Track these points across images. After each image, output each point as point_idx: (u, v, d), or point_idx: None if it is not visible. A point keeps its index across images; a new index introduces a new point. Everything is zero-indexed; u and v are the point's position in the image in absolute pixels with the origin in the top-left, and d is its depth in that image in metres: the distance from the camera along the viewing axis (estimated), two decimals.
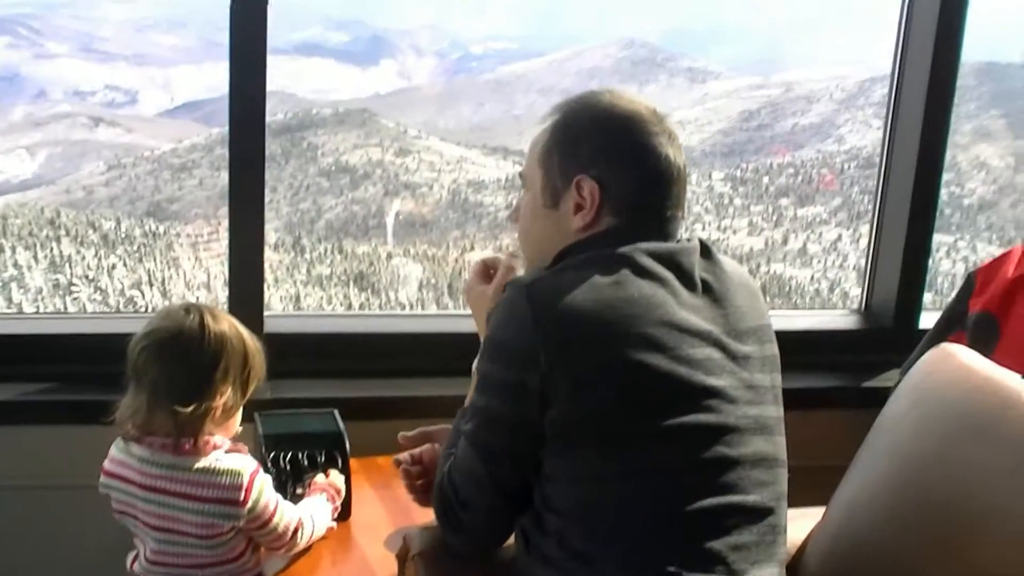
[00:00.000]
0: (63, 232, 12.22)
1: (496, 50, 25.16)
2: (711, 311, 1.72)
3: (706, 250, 1.81)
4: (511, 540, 1.84)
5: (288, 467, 2.23)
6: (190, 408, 1.90)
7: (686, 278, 1.72)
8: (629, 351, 1.61)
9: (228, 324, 2.00)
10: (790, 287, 11.71)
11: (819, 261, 12.65)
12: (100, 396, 1.96)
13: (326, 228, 14.48)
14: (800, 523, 2.12)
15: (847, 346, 2.98)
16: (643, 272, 1.69)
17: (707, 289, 1.75)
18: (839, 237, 12.89)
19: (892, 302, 2.91)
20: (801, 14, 22.13)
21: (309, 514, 2.04)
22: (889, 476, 2.01)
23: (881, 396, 2.26)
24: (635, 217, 1.78)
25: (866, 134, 14.30)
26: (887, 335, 2.93)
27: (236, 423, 2.02)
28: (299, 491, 2.17)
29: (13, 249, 11.91)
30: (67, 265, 11.85)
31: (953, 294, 2.76)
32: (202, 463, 1.92)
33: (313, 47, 24.47)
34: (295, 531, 2.02)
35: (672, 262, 1.73)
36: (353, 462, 2.32)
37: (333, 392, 2.60)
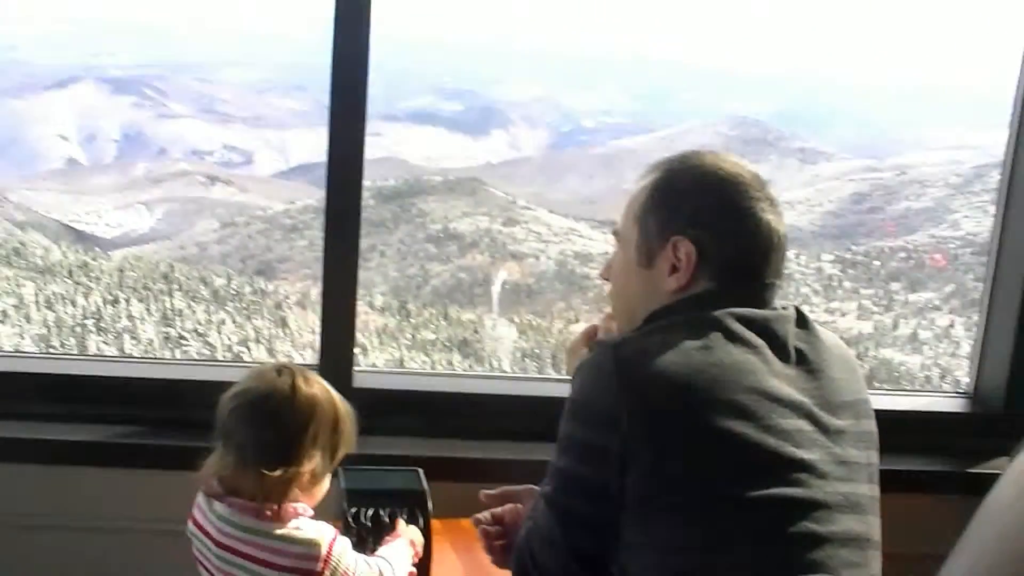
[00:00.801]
0: (176, 286, 12.47)
1: (608, 124, 25.28)
2: (804, 382, 1.66)
3: (803, 319, 1.74)
4: None
5: (369, 523, 2.22)
6: (277, 472, 1.85)
7: (779, 346, 1.66)
8: (716, 418, 1.55)
9: (320, 388, 1.95)
10: (899, 373, 11.48)
11: (930, 348, 12.40)
12: (189, 442, 1.97)
13: (432, 294, 14.59)
14: None
15: (953, 430, 2.87)
16: (734, 338, 1.63)
17: (801, 359, 1.68)
18: (952, 324, 12.64)
19: (1003, 387, 2.82)
20: (915, 98, 21.94)
21: (388, 562, 2.01)
22: (995, 568, 1.94)
23: (987, 483, 2.19)
24: (731, 282, 1.73)
25: (982, 220, 14.05)
26: (996, 421, 2.82)
27: (322, 490, 2.01)
28: (378, 548, 2.15)
29: (127, 301, 12.18)
30: (178, 319, 12.09)
31: None
32: (281, 530, 1.87)
33: (426, 115, 24.84)
34: None
35: (765, 329, 1.67)
36: (435, 523, 2.27)
37: (418, 451, 2.58)
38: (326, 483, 2.00)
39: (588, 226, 16.45)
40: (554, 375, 2.13)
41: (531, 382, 3.04)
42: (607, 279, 1.91)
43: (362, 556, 1.95)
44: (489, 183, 17.18)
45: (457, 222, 15.67)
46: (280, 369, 1.92)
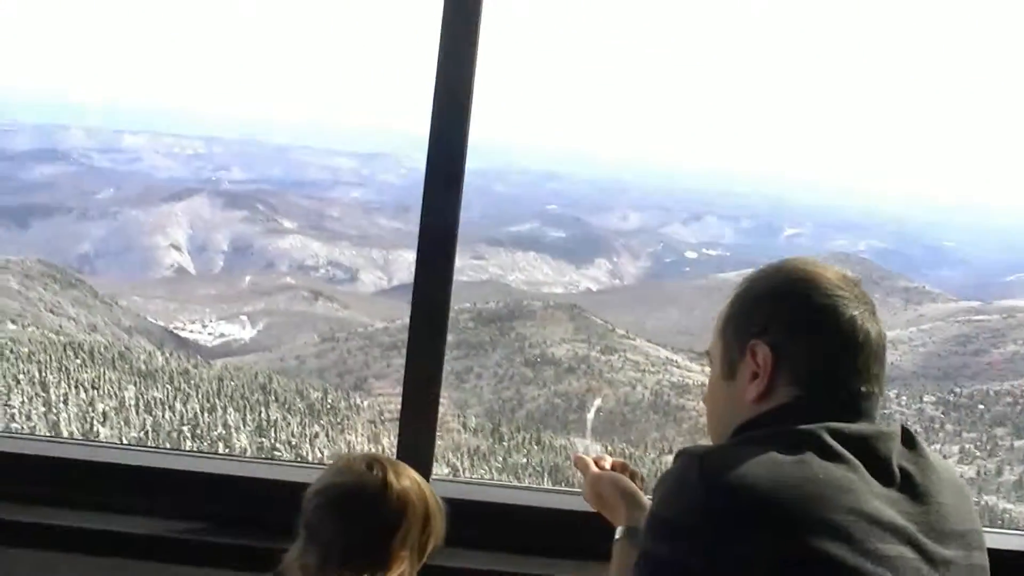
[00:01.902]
0: (272, 398, 12.59)
1: (710, 256, 25.23)
2: (909, 506, 1.53)
3: (909, 438, 1.63)
4: None
5: None
6: (360, 573, 1.76)
7: (881, 467, 1.50)
8: (809, 538, 1.44)
9: (411, 482, 1.81)
10: (1003, 520, 11.10)
11: None
12: (261, 543, 1.90)
13: (526, 418, 14.52)
14: None
15: None
16: (829, 454, 1.52)
17: (907, 481, 1.56)
18: None
19: None
20: (1019, 240, 21.58)
21: None
22: None
23: None
24: (818, 390, 1.60)
25: None
26: None
27: None
28: None
29: (224, 409, 12.30)
30: (272, 430, 12.16)
31: None
32: None
33: (530, 241, 25.04)
34: None
35: (865, 446, 1.55)
36: None
37: (494, 565, 2.49)
38: None
39: (686, 357, 16.29)
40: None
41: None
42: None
43: None
44: (589, 310, 17.20)
45: (555, 347, 15.66)
46: (371, 463, 1.79)
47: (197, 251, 21.41)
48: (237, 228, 21.49)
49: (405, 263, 17.94)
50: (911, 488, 1.50)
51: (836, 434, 1.50)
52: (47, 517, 2.55)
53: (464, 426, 14.13)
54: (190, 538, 2.53)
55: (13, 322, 13.28)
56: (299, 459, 10.99)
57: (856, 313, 1.58)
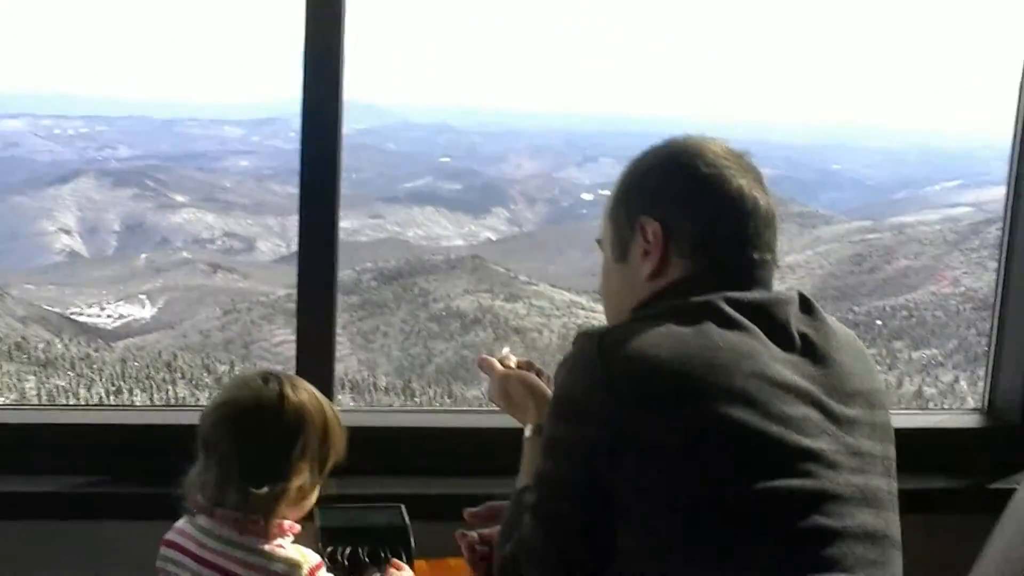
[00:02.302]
0: (179, 375, 12.46)
1: (607, 197, 25.36)
2: (810, 368, 1.49)
3: (806, 304, 1.57)
4: None
5: (347, 563, 2.04)
6: (263, 490, 1.74)
7: (780, 332, 1.50)
8: (713, 405, 1.41)
9: (308, 395, 1.76)
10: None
11: (935, 404, 12.33)
12: (154, 490, 1.85)
13: (436, 372, 14.55)
14: None
15: (969, 447, 2.77)
16: (729, 323, 1.47)
17: (807, 345, 1.51)
18: (956, 379, 12.60)
19: (1018, 400, 2.73)
20: (911, 158, 22.05)
21: None
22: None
23: (1007, 499, 2.10)
24: (710, 261, 1.56)
25: (981, 276, 14.06)
26: (1012, 434, 2.73)
27: (310, 503, 1.87)
28: None
29: (130, 391, 12.16)
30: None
31: None
32: (264, 546, 1.76)
33: (427, 195, 24.96)
34: None
35: (762, 312, 1.51)
36: (420, 563, 2.12)
37: (401, 489, 2.44)
38: (314, 496, 1.87)
39: (590, 298, 16.45)
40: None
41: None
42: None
43: None
44: (490, 260, 17.23)
45: (459, 300, 15.69)
46: (266, 377, 1.78)
47: (88, 233, 21.02)
48: (128, 206, 21.13)
49: None
50: (811, 351, 1.49)
51: (733, 302, 1.47)
52: None
53: (375, 386, 14.12)
54: (91, 491, 2.48)
55: None
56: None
57: (743, 182, 1.55)
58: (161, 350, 13.66)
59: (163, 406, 9.43)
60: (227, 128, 27.51)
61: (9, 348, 12.18)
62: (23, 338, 12.91)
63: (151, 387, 12.13)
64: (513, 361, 1.95)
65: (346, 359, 14.57)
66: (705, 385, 1.40)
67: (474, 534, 1.82)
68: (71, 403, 11.49)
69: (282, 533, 1.78)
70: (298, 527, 1.82)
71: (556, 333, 15.01)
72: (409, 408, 8.71)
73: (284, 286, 16.80)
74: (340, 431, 1.85)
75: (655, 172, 1.60)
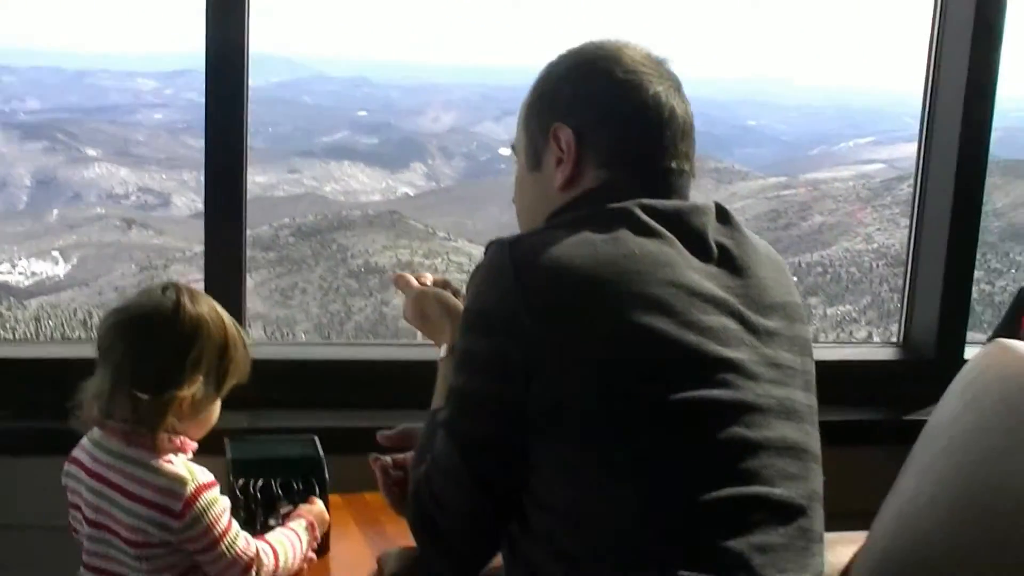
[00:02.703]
0: (94, 333, 12.26)
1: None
2: (728, 279, 1.45)
3: (724, 214, 1.52)
4: (499, 558, 1.53)
5: (259, 496, 1.92)
6: (150, 396, 1.71)
7: (697, 241, 1.45)
8: (628, 313, 1.35)
9: (208, 307, 1.71)
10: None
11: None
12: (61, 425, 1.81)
13: (355, 329, 14.50)
14: (840, 548, 1.94)
15: (886, 379, 2.83)
16: (644, 230, 1.42)
17: (724, 256, 1.47)
18: (870, 335, 12.83)
19: (933, 333, 2.79)
20: (824, 114, 22.29)
21: (272, 547, 1.77)
22: (946, 479, 1.84)
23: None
24: (625, 170, 1.51)
25: (893, 232, 14.30)
26: (927, 367, 2.79)
27: (208, 421, 1.76)
28: (272, 523, 1.89)
29: None
30: None
31: (1003, 313, 2.71)
32: (151, 460, 1.65)
33: (344, 150, 24.71)
34: (248, 564, 1.72)
35: (678, 221, 1.45)
36: (335, 497, 2.02)
37: (314, 422, 2.36)
38: (213, 414, 1.78)
39: None
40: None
41: (427, 348, 2.66)
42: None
43: (243, 532, 1.74)
44: (409, 215, 17.16)
45: (378, 256, 15.63)
46: (166, 286, 1.72)
47: None
48: (39, 161, 20.71)
49: None
50: (729, 262, 1.47)
51: (648, 210, 1.44)
52: None
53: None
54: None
55: None
56: None
57: (660, 89, 1.52)
58: (76, 308, 13.45)
59: (75, 340, 9.26)
60: (140, 80, 26.98)
61: None
62: None
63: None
64: (429, 279, 1.90)
65: (264, 316, 14.48)
66: (619, 292, 1.36)
67: (387, 459, 1.77)
68: None
69: (174, 449, 1.72)
70: (194, 445, 1.76)
71: None
72: (321, 342, 8.47)
73: (200, 242, 16.55)
74: (243, 350, 1.81)
75: (570, 78, 1.56)
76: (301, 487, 1.96)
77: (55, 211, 19.17)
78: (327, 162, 21.93)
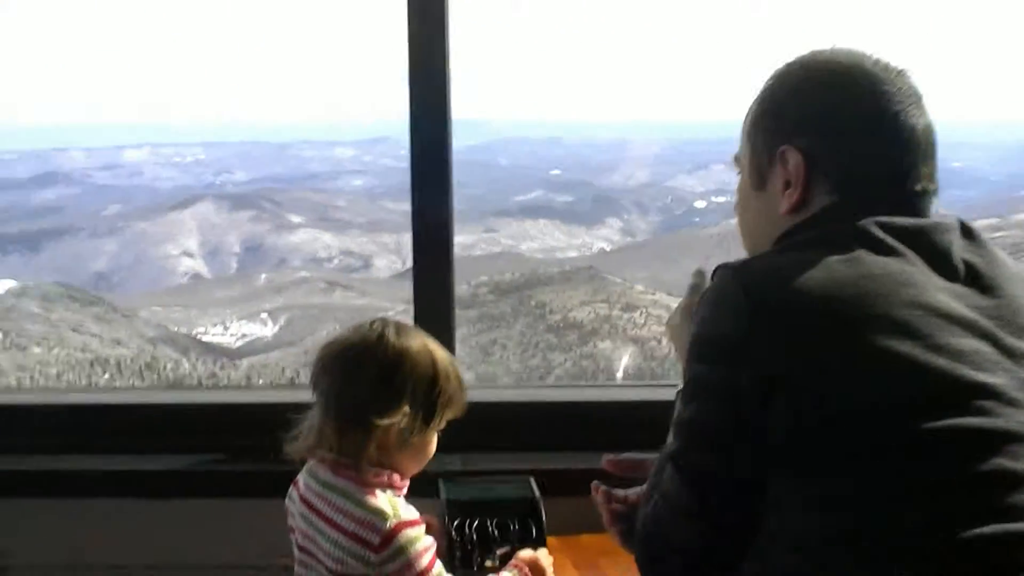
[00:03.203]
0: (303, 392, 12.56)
1: (719, 204, 25.14)
2: (978, 299, 1.33)
3: (968, 230, 1.41)
4: None
5: (475, 536, 1.89)
6: (350, 424, 1.71)
7: (941, 260, 1.34)
8: (870, 337, 1.24)
9: (418, 342, 1.71)
10: None
11: None
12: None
13: (556, 383, 14.51)
14: None
15: None
16: (884, 249, 1.32)
17: (972, 274, 1.36)
18: None
19: None
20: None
21: None
22: None
23: None
24: (860, 194, 1.40)
25: None
26: None
27: (420, 457, 1.74)
28: (488, 563, 1.86)
29: None
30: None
31: None
32: (356, 491, 1.66)
33: (539, 208, 24.96)
34: None
35: (921, 239, 1.35)
36: (552, 540, 1.97)
37: (530, 464, 2.31)
38: (425, 449, 1.75)
39: None
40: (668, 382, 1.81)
41: (652, 388, 2.59)
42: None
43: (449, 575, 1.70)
44: (606, 270, 17.16)
45: (576, 311, 15.65)
46: (374, 321, 1.74)
47: (210, 255, 21.46)
48: (246, 228, 21.53)
49: None
50: (977, 280, 1.35)
51: (887, 228, 1.33)
52: (69, 463, 2.51)
53: None
54: (206, 470, 2.49)
55: (38, 345, 13.32)
56: None
57: (900, 108, 1.40)
58: (284, 367, 13.82)
59: (284, 385, 9.53)
60: (339, 149, 27.87)
61: (140, 368, 12.44)
62: (153, 358, 13.17)
63: None
64: None
65: (465, 373, 14.63)
66: (859, 316, 1.26)
67: (617, 492, 1.70)
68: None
69: (382, 484, 1.72)
70: (405, 482, 1.75)
71: None
72: (537, 384, 8.51)
73: (402, 301, 16.93)
74: (457, 383, 1.79)
75: (799, 93, 1.45)
76: (517, 527, 1.93)
77: (263, 276, 19.85)
78: (523, 220, 22.17)
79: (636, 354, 15.11)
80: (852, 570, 1.23)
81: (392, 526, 1.64)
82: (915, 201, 1.41)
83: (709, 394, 1.34)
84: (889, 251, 1.33)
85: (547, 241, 22.13)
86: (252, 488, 2.29)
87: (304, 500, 1.73)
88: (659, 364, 15.38)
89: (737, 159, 1.57)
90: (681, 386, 1.47)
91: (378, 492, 1.68)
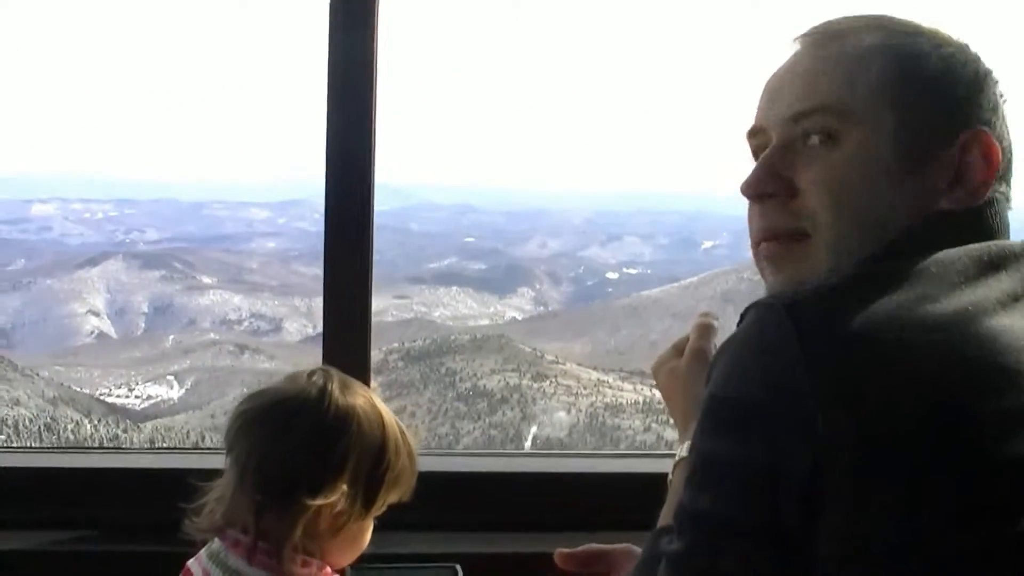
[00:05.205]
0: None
1: (631, 275, 25.37)
2: None
3: None
4: None
5: None
6: (276, 502, 1.22)
7: None
8: (979, 404, 0.66)
9: (365, 401, 1.24)
10: None
11: None
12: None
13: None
14: None
15: None
16: (1004, 301, 0.77)
17: None
18: None
19: None
20: None
21: None
22: None
23: None
24: (999, 196, 0.93)
25: None
26: None
27: (354, 546, 1.29)
28: None
29: None
30: None
31: None
32: None
33: (452, 276, 25.03)
34: None
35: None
36: None
37: (455, 547, 2.09)
38: (361, 537, 1.24)
39: (617, 377, 16.37)
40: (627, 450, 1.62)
41: (599, 458, 2.21)
42: (760, 197, 1.01)
43: None
44: (517, 339, 17.23)
45: (486, 379, 15.65)
46: (314, 372, 1.22)
47: (117, 315, 21.21)
48: (156, 288, 21.33)
49: None
50: None
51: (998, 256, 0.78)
52: None
53: None
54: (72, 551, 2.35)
55: None
56: None
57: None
58: (189, 430, 13.66)
59: (190, 448, 9.34)
60: (253, 210, 27.75)
61: (39, 429, 12.22)
62: (52, 419, 12.95)
63: None
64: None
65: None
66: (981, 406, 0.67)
67: None
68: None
69: None
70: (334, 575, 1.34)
71: (584, 412, 14.96)
72: (463, 451, 7.89)
73: (312, 367, 16.79)
74: (407, 458, 1.26)
75: (951, 74, 0.94)
76: None
77: (171, 337, 19.65)
78: (435, 288, 22.21)
79: (544, 425, 15.16)
80: None
81: None
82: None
83: (732, 481, 0.71)
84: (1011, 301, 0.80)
85: (459, 309, 22.19)
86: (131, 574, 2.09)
87: None
88: (568, 434, 15.47)
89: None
90: (681, 456, 0.96)
91: None
